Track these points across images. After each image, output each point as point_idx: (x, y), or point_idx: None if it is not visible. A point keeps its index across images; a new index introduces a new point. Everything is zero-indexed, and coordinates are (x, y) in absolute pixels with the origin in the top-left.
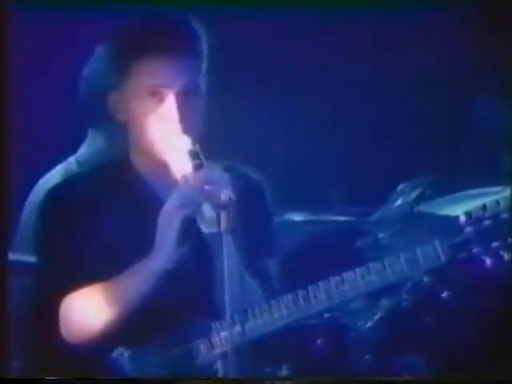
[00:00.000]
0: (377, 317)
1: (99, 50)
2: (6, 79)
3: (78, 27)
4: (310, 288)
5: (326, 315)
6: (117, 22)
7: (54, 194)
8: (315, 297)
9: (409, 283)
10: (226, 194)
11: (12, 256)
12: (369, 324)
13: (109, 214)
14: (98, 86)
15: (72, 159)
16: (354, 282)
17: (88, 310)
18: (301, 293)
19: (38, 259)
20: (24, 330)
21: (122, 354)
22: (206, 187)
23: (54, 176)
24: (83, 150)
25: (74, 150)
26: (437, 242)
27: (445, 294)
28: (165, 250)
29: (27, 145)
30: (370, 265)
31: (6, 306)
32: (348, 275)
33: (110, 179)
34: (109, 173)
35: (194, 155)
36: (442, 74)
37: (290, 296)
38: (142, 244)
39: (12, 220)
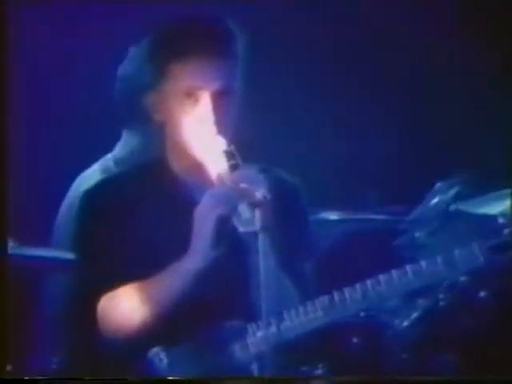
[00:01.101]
0: (414, 316)
1: (135, 50)
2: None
3: (110, 25)
4: (346, 289)
5: (362, 314)
6: (153, 20)
7: (93, 193)
8: (351, 298)
9: (446, 283)
10: (261, 193)
11: (51, 252)
12: (406, 323)
13: (145, 214)
14: (134, 86)
15: (109, 157)
16: (390, 282)
17: (124, 309)
18: (337, 294)
19: (76, 257)
20: (62, 327)
21: (157, 354)
22: (241, 186)
23: (92, 175)
24: (119, 150)
25: (107, 150)
26: (475, 242)
27: (482, 294)
28: (200, 250)
29: (51, 144)
30: (407, 266)
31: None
32: (384, 276)
33: (147, 179)
34: (145, 173)
35: (229, 155)
36: (481, 72)
37: (326, 297)
38: (178, 244)
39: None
